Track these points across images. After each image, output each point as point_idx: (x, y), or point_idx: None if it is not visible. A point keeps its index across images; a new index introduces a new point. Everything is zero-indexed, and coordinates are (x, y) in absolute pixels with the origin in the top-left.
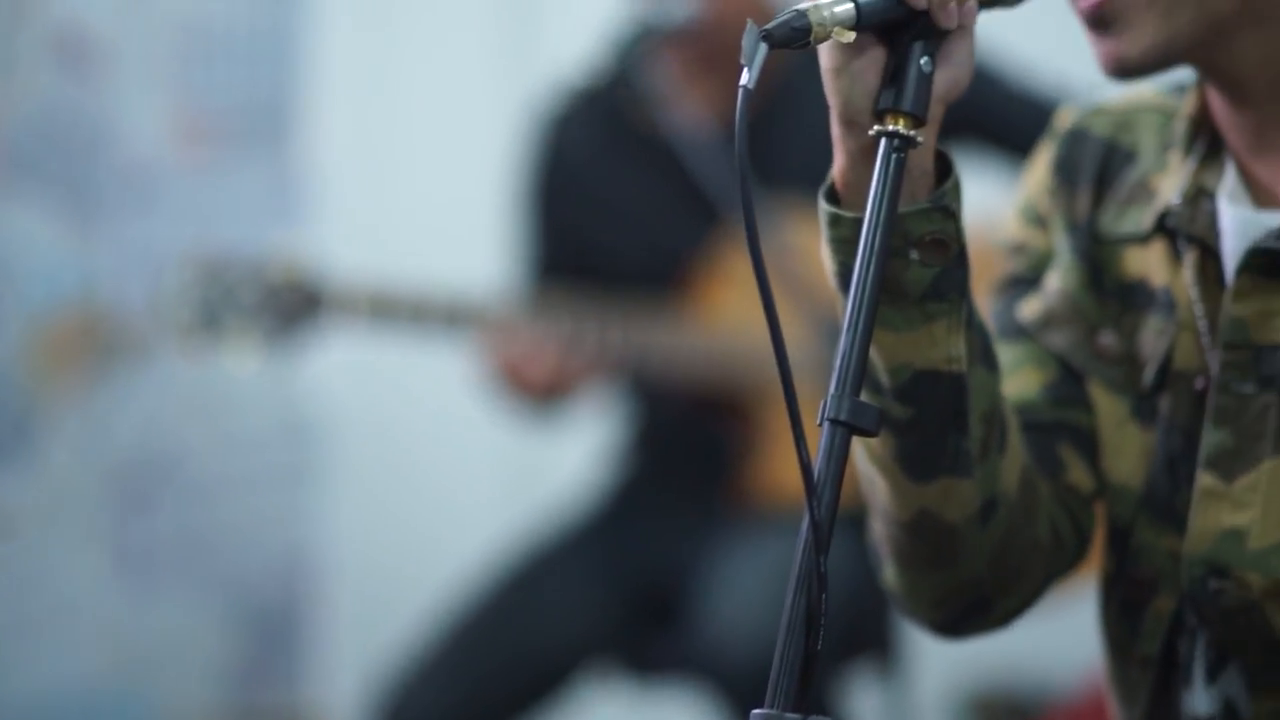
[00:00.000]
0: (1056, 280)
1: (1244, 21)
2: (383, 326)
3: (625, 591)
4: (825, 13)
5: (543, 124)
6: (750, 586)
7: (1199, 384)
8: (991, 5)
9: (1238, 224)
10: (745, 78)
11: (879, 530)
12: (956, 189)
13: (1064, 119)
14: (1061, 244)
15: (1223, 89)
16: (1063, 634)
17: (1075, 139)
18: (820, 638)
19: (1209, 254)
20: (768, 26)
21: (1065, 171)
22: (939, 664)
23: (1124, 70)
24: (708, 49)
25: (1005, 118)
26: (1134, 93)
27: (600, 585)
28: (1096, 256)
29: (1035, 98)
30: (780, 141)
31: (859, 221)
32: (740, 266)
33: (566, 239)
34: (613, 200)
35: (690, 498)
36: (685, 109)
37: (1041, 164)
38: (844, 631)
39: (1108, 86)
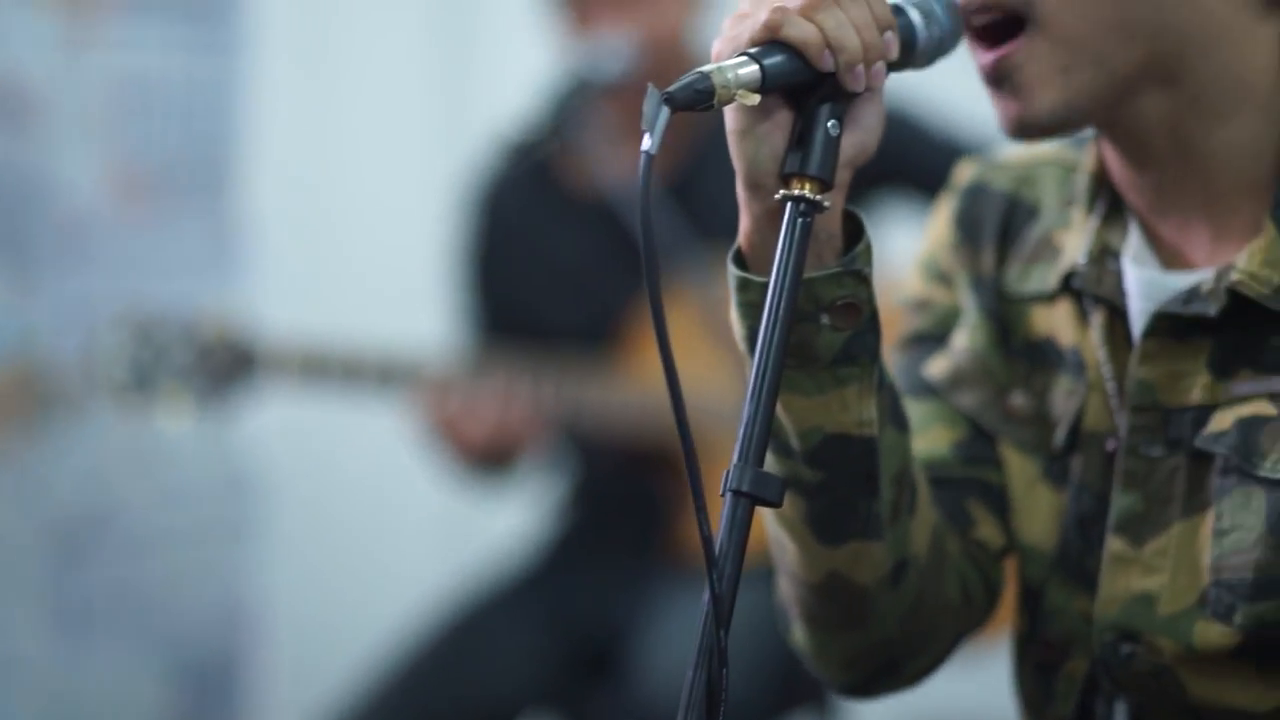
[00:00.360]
0: (964, 339)
1: (1145, 82)
2: (316, 385)
3: (563, 644)
4: (729, 75)
5: (477, 185)
6: (685, 641)
7: (1110, 445)
8: (901, 67)
9: (1144, 285)
10: (647, 142)
11: (787, 590)
12: (868, 252)
13: (963, 173)
14: (967, 301)
15: (1123, 149)
16: (1000, 682)
17: (976, 194)
18: (721, 715)
19: (1116, 315)
20: (670, 89)
21: (967, 227)
22: (877, 715)
23: (1024, 130)
24: (639, 103)
25: (929, 168)
26: (1035, 148)
27: (538, 637)
28: (1003, 314)
29: (959, 147)
30: (713, 192)
31: (766, 286)
32: (677, 320)
33: (502, 301)
34: (548, 260)
35: (626, 552)
36: (620, 163)
37: (942, 219)
38: (781, 682)
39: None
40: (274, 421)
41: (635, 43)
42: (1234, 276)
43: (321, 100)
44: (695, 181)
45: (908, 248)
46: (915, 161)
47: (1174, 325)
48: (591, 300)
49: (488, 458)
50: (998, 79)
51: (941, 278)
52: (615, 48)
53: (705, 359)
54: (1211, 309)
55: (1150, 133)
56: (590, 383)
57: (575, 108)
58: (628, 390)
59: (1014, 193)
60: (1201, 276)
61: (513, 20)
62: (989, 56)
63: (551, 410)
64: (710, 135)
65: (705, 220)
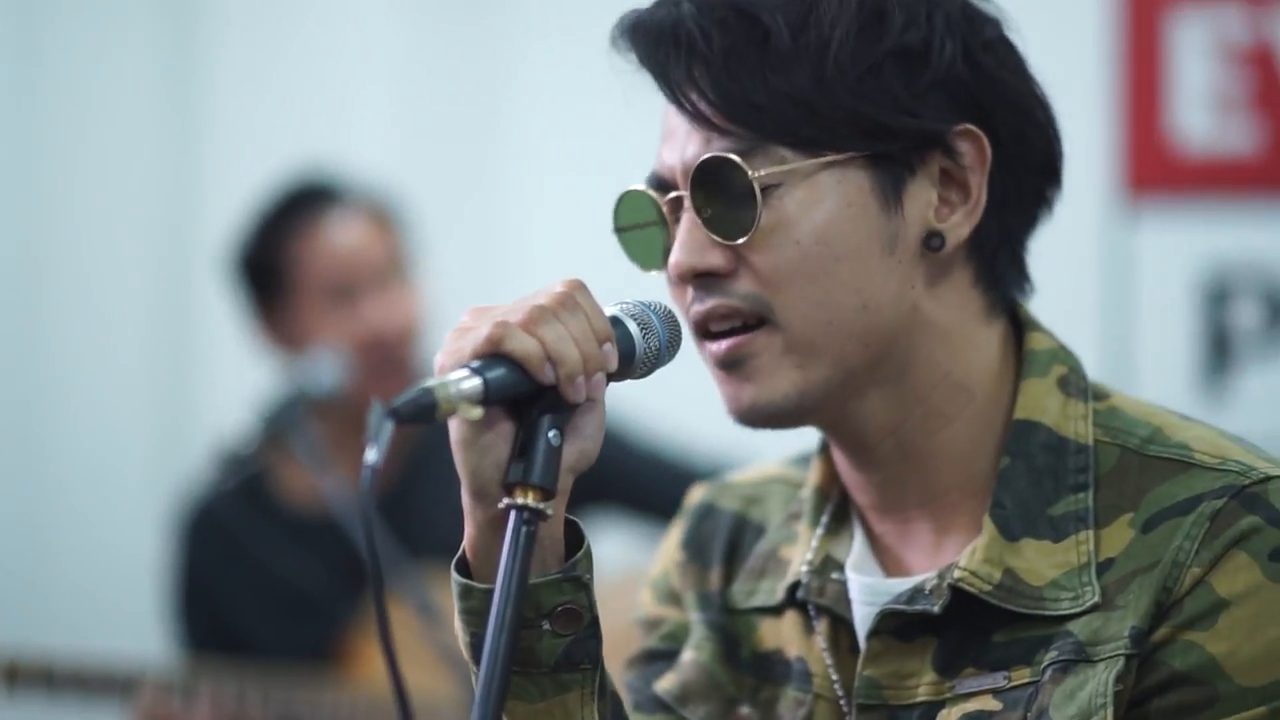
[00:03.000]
0: (692, 654)
1: (873, 383)
2: (23, 694)
3: None
4: (452, 389)
5: (189, 502)
6: None
7: None
8: (620, 378)
9: (866, 592)
10: (371, 455)
11: None
12: (588, 558)
13: (694, 496)
14: (695, 617)
15: (849, 449)
16: None
17: (704, 515)
18: None
19: (841, 623)
20: (394, 403)
21: (694, 547)
22: None
23: (753, 416)
24: (356, 415)
25: (641, 484)
26: (762, 468)
27: None
28: (730, 629)
29: (671, 462)
30: (426, 505)
31: (490, 593)
32: (397, 632)
33: (213, 622)
34: (266, 578)
35: None
36: (338, 475)
37: (672, 541)
38: None
39: (741, 446)
40: None
41: (349, 358)
42: (956, 574)
43: (42, 421)
44: (409, 494)
45: (622, 556)
46: (629, 480)
47: (899, 625)
48: (312, 616)
49: None
50: (731, 363)
51: (671, 596)
52: (329, 362)
53: (428, 670)
54: (935, 606)
55: (875, 433)
56: (300, 690)
57: (290, 420)
58: (339, 693)
59: (742, 512)
60: (924, 577)
61: (228, 334)
62: (723, 344)
63: (262, 716)
64: (422, 449)
65: (418, 534)
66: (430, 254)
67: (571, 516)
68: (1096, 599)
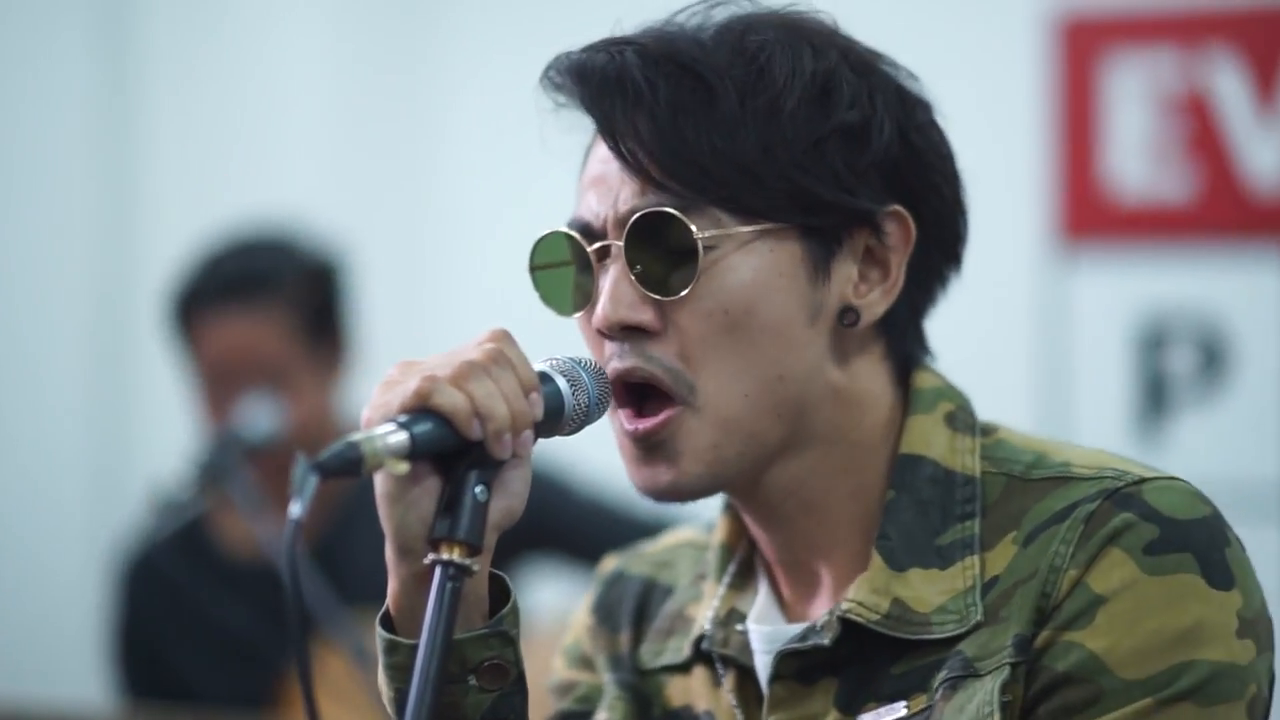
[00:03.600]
0: (605, 714)
1: (782, 450)
2: None
3: None
4: (378, 443)
5: (127, 550)
6: None
7: None
8: (549, 434)
9: (767, 640)
10: (295, 509)
11: None
12: (514, 613)
13: (606, 565)
14: (607, 679)
15: (751, 509)
16: None
17: (614, 582)
18: None
19: (746, 674)
20: (319, 457)
21: (603, 612)
22: None
23: (668, 496)
24: (291, 463)
25: (583, 532)
26: (674, 536)
27: None
28: (641, 689)
29: (612, 511)
30: (360, 551)
31: (414, 648)
32: (334, 681)
33: (152, 676)
34: (203, 624)
35: None
36: (274, 522)
37: (584, 607)
38: None
39: None
40: None
41: (283, 409)
42: (844, 606)
43: None
44: (340, 545)
45: (559, 604)
46: (563, 529)
47: (800, 668)
48: (249, 663)
49: None
50: (649, 446)
51: (583, 661)
52: (265, 409)
53: (365, 715)
54: (826, 639)
55: (778, 494)
56: None
57: (226, 467)
58: None
59: (651, 576)
60: (818, 618)
61: (165, 379)
62: (642, 424)
63: None
64: (354, 499)
65: (351, 583)
66: (361, 300)
67: (498, 571)
68: (979, 617)
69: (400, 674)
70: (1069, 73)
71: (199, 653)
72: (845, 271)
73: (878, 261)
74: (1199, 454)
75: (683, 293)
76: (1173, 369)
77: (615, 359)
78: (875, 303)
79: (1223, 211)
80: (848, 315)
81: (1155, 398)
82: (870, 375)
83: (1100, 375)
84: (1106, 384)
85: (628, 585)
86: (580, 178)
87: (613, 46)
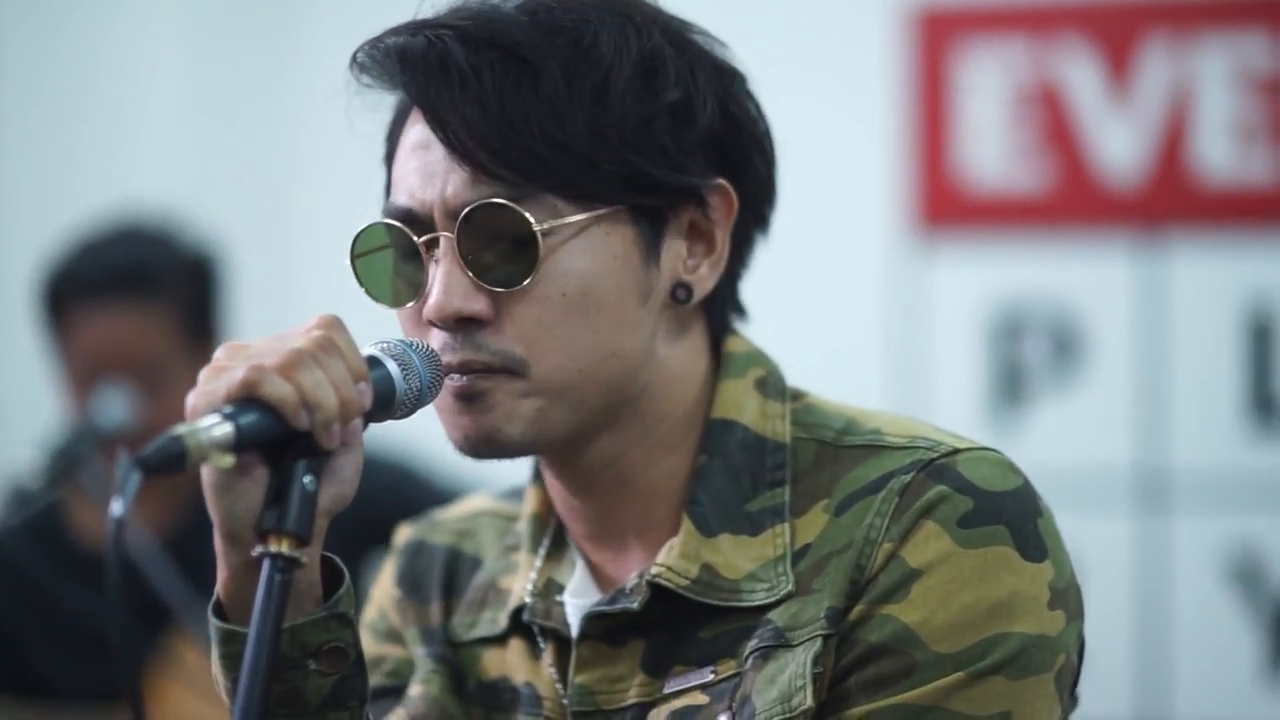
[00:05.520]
0: (420, 687)
1: (606, 421)
2: None
3: None
4: (203, 436)
5: None
6: None
7: None
8: (382, 418)
9: (581, 613)
10: (117, 507)
11: None
12: (350, 595)
13: (402, 535)
14: (420, 653)
15: (567, 478)
16: None
17: (417, 552)
18: None
19: (564, 645)
20: (142, 453)
21: (410, 584)
22: None
23: (484, 449)
24: None
25: None
26: (470, 504)
27: None
28: (455, 661)
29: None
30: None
31: (247, 638)
32: (193, 665)
33: (5, 668)
34: (54, 623)
35: None
36: (130, 514)
37: (386, 580)
38: None
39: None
40: None
41: (142, 399)
42: (654, 571)
43: None
44: (198, 534)
45: None
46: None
47: (606, 630)
48: (106, 655)
49: None
50: (470, 396)
51: (391, 635)
52: (116, 399)
53: (224, 709)
54: (634, 603)
55: (597, 464)
56: None
57: (78, 456)
58: None
59: (455, 546)
60: (627, 580)
61: (20, 366)
62: (464, 379)
63: None
64: None
65: (208, 573)
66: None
67: (330, 554)
68: (790, 587)
69: (235, 663)
70: (923, 63)
71: (53, 645)
72: (675, 249)
73: (702, 235)
74: (1054, 442)
75: (523, 284)
76: (1027, 358)
77: (446, 352)
78: (705, 277)
79: (1076, 201)
80: (679, 291)
81: (1010, 386)
82: (694, 349)
83: (956, 364)
84: (962, 373)
85: (432, 554)
86: (391, 160)
87: (429, 30)
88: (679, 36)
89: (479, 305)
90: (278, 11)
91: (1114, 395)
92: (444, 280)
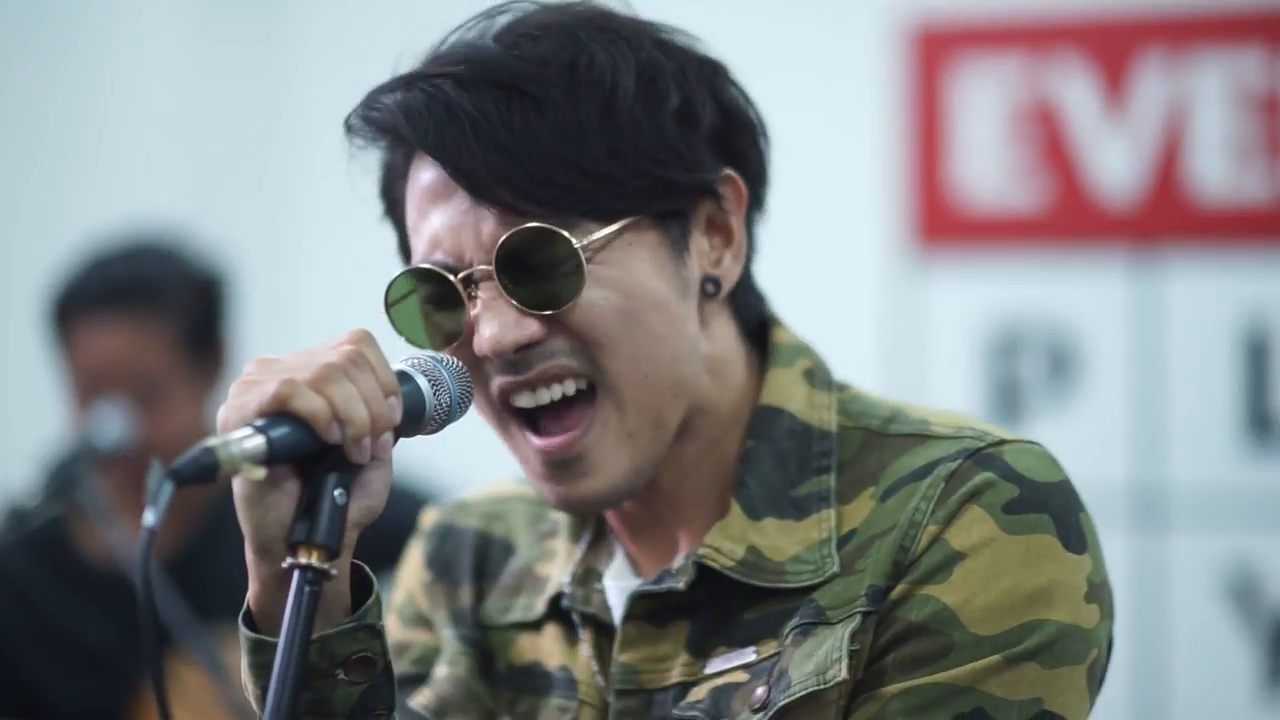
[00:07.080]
0: (446, 669)
1: (681, 433)
2: None
3: None
4: (235, 449)
5: None
6: None
7: None
8: (412, 434)
9: (623, 595)
10: (150, 517)
11: None
12: (378, 605)
13: (429, 517)
14: (448, 635)
15: None
16: None
17: (445, 534)
18: None
19: (604, 631)
20: (175, 464)
21: (440, 566)
22: None
23: (586, 506)
24: (143, 470)
25: None
26: (496, 487)
27: None
28: (485, 644)
29: None
30: (222, 563)
31: (277, 648)
32: (191, 692)
33: (4, 686)
34: (54, 640)
35: None
36: (125, 530)
37: (415, 562)
38: None
39: None
40: None
41: (140, 417)
42: (701, 551)
43: None
44: (201, 557)
45: None
46: None
47: (652, 610)
48: (105, 672)
49: None
50: (565, 464)
51: (419, 619)
52: (113, 417)
53: None
54: (680, 583)
55: (662, 467)
56: None
57: (76, 474)
58: None
59: (484, 529)
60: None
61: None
62: (558, 440)
63: None
64: (216, 510)
65: (213, 592)
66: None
67: (360, 563)
68: (836, 569)
69: (265, 672)
70: (919, 80)
71: (53, 662)
72: (699, 245)
73: (720, 228)
74: None
75: (570, 303)
76: (1024, 375)
77: (508, 373)
78: (729, 268)
79: (1072, 219)
80: (709, 285)
81: (1006, 404)
82: (727, 338)
83: (952, 381)
84: (958, 390)
85: (461, 537)
86: (397, 215)
87: (423, 82)
88: (664, 41)
89: (531, 329)
90: (276, 21)
91: (1110, 413)
92: (490, 316)
